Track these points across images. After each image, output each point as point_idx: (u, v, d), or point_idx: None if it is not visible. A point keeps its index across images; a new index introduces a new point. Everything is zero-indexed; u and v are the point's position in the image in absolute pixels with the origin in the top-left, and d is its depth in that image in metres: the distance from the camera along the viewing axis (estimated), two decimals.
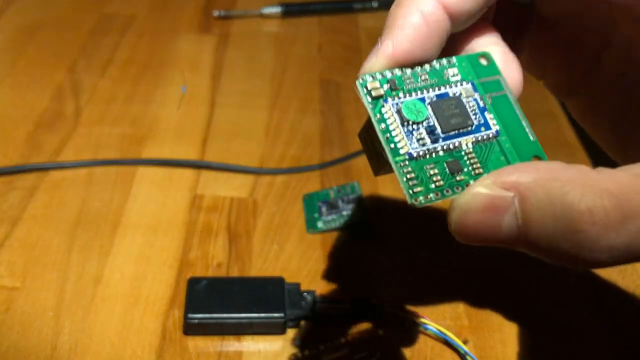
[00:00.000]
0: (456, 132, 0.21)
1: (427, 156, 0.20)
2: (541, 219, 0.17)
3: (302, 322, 0.32)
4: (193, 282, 0.33)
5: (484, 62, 0.22)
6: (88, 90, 0.49)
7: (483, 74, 0.22)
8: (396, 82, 0.21)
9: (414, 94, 0.21)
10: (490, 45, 0.23)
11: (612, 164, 0.19)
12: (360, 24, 0.60)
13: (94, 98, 0.49)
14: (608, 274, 0.36)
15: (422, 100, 0.21)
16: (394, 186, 0.41)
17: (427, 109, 0.21)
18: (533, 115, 0.23)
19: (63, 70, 0.51)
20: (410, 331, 0.32)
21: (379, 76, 0.21)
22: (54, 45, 0.55)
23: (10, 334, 0.31)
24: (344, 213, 0.38)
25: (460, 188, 0.20)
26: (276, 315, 0.31)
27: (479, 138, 0.21)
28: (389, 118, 0.20)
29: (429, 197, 0.20)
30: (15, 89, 0.49)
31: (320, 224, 0.38)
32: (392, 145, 0.20)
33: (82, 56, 0.53)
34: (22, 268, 0.35)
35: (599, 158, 0.27)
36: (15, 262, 0.35)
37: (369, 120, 0.21)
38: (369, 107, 0.20)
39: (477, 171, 0.20)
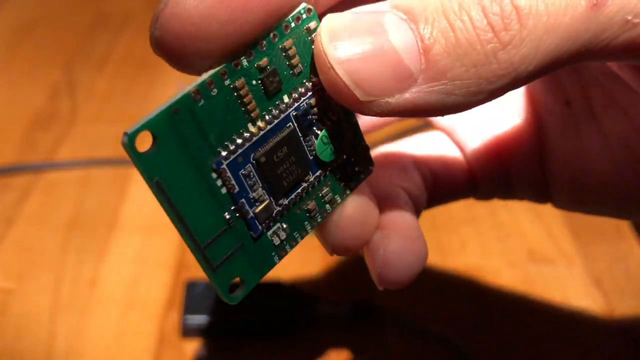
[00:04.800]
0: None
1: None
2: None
3: (303, 326, 0.32)
4: (191, 285, 0.32)
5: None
6: (84, 88, 0.49)
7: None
8: None
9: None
10: None
11: None
12: None
13: (90, 96, 0.48)
14: (611, 274, 0.36)
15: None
16: None
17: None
18: None
19: (59, 68, 0.51)
20: (411, 333, 0.32)
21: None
22: (49, 43, 0.54)
23: (5, 336, 0.31)
24: None
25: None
26: (275, 318, 0.31)
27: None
28: None
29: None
30: (10, 87, 0.49)
31: None
32: None
33: (78, 54, 0.53)
34: (16, 270, 0.34)
35: None
36: (9, 264, 0.34)
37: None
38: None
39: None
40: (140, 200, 0.39)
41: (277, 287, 0.32)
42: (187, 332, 0.31)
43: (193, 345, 0.31)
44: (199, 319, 0.31)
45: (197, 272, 0.35)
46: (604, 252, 0.37)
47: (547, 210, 0.40)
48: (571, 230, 0.39)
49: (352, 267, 0.36)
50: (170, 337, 0.31)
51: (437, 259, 0.36)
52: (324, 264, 0.36)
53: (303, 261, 0.36)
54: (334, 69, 0.14)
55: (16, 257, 0.35)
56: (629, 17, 0.13)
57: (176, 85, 0.50)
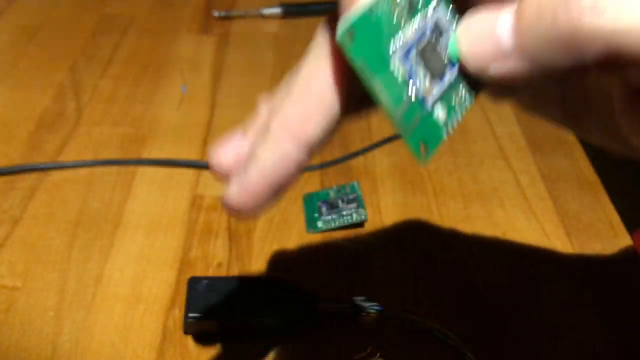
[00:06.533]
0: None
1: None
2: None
3: (303, 323, 0.32)
4: (193, 282, 0.33)
5: None
6: (88, 90, 0.50)
7: None
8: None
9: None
10: None
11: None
12: None
13: (95, 98, 0.49)
14: (613, 279, 0.36)
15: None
16: (393, 186, 0.42)
17: None
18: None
19: (63, 71, 0.51)
20: (410, 332, 0.32)
21: None
22: (54, 45, 0.55)
23: (11, 333, 0.31)
24: (344, 213, 0.39)
25: None
26: (276, 315, 0.31)
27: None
28: None
29: None
30: (16, 89, 0.49)
31: (320, 224, 0.38)
32: None
33: (83, 56, 0.54)
34: (22, 268, 0.35)
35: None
36: (15, 262, 0.35)
37: None
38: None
39: None
40: (144, 200, 0.40)
41: (279, 285, 0.33)
42: (189, 329, 0.32)
43: (195, 342, 0.31)
44: (201, 316, 0.31)
45: (199, 270, 0.35)
46: (598, 250, 0.38)
47: (542, 209, 0.40)
48: (565, 228, 0.39)
49: (352, 266, 0.36)
50: (173, 334, 0.32)
51: (435, 259, 0.37)
52: (325, 263, 0.36)
53: (304, 260, 0.36)
54: (463, 55, 0.20)
55: (22, 255, 0.36)
56: None
57: (180, 87, 0.51)
